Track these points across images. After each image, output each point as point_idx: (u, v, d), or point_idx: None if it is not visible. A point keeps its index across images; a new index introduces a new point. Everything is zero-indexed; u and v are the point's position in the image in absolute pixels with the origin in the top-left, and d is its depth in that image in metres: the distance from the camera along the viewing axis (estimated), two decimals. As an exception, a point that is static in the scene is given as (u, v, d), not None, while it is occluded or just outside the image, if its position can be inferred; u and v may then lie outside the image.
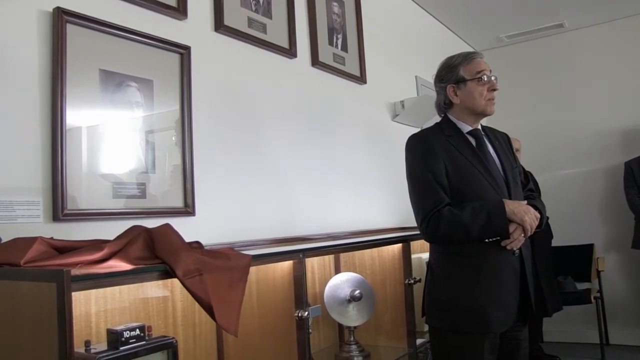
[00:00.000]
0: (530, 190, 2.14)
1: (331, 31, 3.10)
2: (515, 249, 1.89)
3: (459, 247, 1.92)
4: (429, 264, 2.09)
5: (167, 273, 1.33)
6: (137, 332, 1.36)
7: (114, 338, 1.33)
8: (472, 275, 1.89)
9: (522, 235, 1.87)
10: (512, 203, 1.88)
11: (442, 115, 2.11)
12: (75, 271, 1.14)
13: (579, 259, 4.70)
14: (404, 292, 2.50)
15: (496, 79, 2.01)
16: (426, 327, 2.27)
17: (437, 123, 2.11)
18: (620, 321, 4.75)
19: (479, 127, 2.07)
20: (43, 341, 1.12)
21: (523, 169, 2.23)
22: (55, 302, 1.08)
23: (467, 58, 2.03)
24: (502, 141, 2.14)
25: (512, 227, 1.86)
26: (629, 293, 4.80)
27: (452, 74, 2.04)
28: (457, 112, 2.05)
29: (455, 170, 1.92)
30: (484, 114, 2.03)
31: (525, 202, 1.95)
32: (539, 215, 1.92)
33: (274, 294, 2.02)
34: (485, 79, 1.99)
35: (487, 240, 1.87)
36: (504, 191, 1.95)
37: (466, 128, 2.03)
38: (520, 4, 4.50)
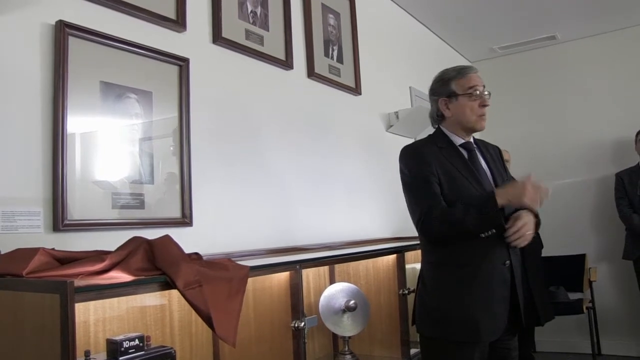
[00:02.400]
0: None
1: (327, 43, 3.14)
2: (518, 243, 1.87)
3: (448, 257, 1.95)
4: (420, 273, 2.12)
5: (168, 284, 1.35)
6: (137, 342, 1.38)
7: (114, 348, 1.35)
8: (463, 285, 1.92)
9: (530, 232, 1.85)
10: (503, 191, 1.86)
11: (436, 126, 2.15)
12: (77, 282, 1.16)
13: (571, 269, 4.73)
14: (398, 302, 2.52)
15: (489, 94, 2.03)
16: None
17: (429, 135, 2.14)
18: (612, 331, 4.78)
19: (471, 139, 2.11)
20: (45, 351, 1.13)
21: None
22: (59, 313, 1.10)
23: (460, 73, 2.05)
24: (494, 154, 2.17)
25: (520, 223, 1.84)
26: (620, 303, 4.84)
27: (444, 87, 2.06)
28: (449, 125, 2.08)
29: (447, 180, 1.95)
30: (473, 130, 2.05)
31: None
32: (539, 185, 1.86)
33: (271, 304, 2.04)
34: (477, 95, 2.01)
35: (484, 235, 1.87)
36: None
37: (458, 140, 2.06)
38: (513, 16, 4.56)
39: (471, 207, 1.85)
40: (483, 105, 2.02)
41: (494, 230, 1.87)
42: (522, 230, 1.85)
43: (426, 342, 2.03)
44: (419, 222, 1.95)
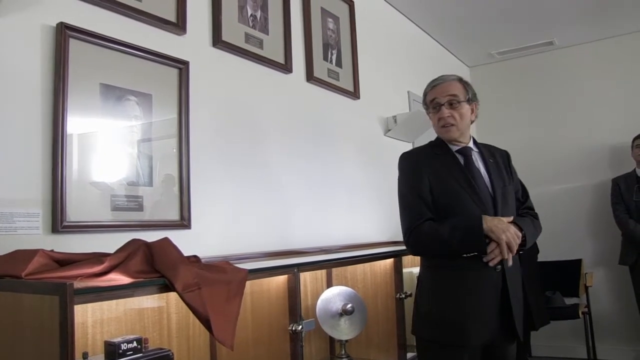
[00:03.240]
0: (528, 208, 2.17)
1: (326, 47, 3.15)
2: (494, 264, 1.91)
3: (441, 261, 1.98)
4: (418, 276, 2.15)
5: (167, 287, 1.35)
6: (135, 344, 1.38)
7: (112, 350, 1.35)
8: (452, 288, 1.95)
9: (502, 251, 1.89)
10: (491, 220, 1.90)
11: None
12: (77, 284, 1.16)
13: (568, 274, 4.74)
14: (395, 306, 2.53)
15: (457, 102, 2.04)
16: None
17: (431, 141, 2.17)
18: (607, 336, 4.79)
19: (470, 144, 2.12)
20: (44, 353, 1.14)
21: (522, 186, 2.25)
22: (58, 314, 1.10)
23: (426, 90, 2.14)
24: (500, 159, 2.17)
25: (492, 245, 1.88)
26: (616, 308, 4.85)
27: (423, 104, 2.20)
28: None
29: (439, 186, 1.99)
30: (443, 139, 2.10)
31: (511, 218, 1.97)
32: (519, 234, 1.93)
33: (268, 307, 2.05)
34: (434, 108, 2.08)
35: (465, 255, 1.90)
36: (488, 207, 1.98)
37: (454, 147, 2.09)
38: (511, 22, 4.58)
39: (457, 229, 1.89)
40: (439, 117, 2.06)
41: (475, 253, 1.90)
42: (495, 251, 1.89)
43: (419, 342, 2.07)
44: (405, 234, 2.02)
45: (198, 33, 2.29)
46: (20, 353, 1.20)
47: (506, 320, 1.96)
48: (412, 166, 2.06)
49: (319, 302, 2.37)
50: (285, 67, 2.75)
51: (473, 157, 2.09)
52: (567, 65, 5.23)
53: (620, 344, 4.76)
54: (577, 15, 4.51)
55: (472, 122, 2.12)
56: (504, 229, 1.88)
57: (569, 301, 4.62)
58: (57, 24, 1.72)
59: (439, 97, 2.06)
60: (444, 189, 1.98)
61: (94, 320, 1.57)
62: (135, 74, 1.97)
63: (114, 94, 1.89)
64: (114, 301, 1.61)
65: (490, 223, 1.88)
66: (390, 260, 2.56)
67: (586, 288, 4.68)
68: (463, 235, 1.88)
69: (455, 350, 1.91)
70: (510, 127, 5.34)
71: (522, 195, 2.20)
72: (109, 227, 1.81)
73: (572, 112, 5.17)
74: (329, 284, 2.61)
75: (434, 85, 2.10)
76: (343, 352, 2.42)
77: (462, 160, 2.06)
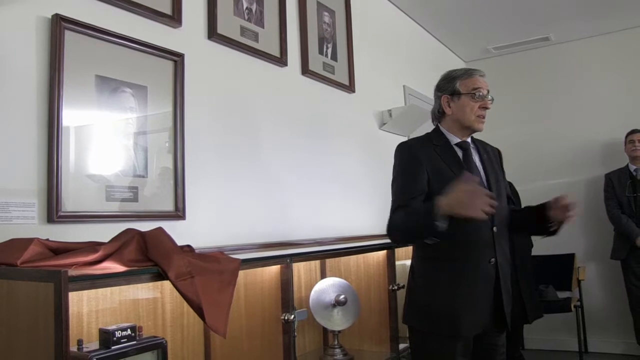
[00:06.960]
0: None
1: (321, 40, 3.16)
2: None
3: (437, 252, 1.97)
4: (410, 266, 2.16)
5: (160, 275, 1.37)
6: (129, 332, 1.40)
7: (106, 337, 1.37)
8: (448, 279, 1.96)
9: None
10: (443, 197, 1.74)
11: (435, 124, 2.18)
12: (71, 272, 1.18)
13: (561, 268, 4.79)
14: (388, 298, 2.56)
15: (492, 99, 2.07)
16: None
17: (427, 133, 2.17)
18: (599, 329, 4.85)
19: (469, 140, 2.13)
20: (39, 340, 1.16)
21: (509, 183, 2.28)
22: (53, 301, 1.13)
23: (466, 73, 2.09)
24: (492, 155, 2.19)
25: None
26: (607, 302, 4.89)
27: (449, 85, 2.09)
28: (448, 123, 2.11)
29: (437, 179, 1.98)
30: (471, 129, 2.08)
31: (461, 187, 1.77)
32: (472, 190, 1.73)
33: (262, 297, 2.07)
34: (479, 96, 2.04)
35: (429, 242, 1.88)
36: None
37: (454, 139, 2.09)
38: (508, 17, 4.59)
39: (414, 214, 1.86)
40: (484, 107, 2.05)
41: (437, 240, 1.86)
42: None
43: (411, 332, 2.09)
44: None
45: (193, 26, 2.31)
46: (15, 339, 1.22)
47: (497, 311, 1.99)
48: (410, 156, 2.03)
49: (313, 293, 2.40)
50: (281, 60, 2.77)
51: (471, 151, 2.10)
52: (562, 61, 5.26)
53: (611, 337, 4.81)
54: (574, 11, 4.53)
55: None
56: (455, 200, 1.69)
57: (562, 295, 4.66)
58: (53, 16, 1.74)
59: (484, 89, 2.06)
60: (441, 180, 1.96)
61: (89, 310, 1.59)
62: (131, 66, 1.99)
63: (109, 85, 1.90)
64: (109, 291, 1.63)
65: (445, 200, 1.72)
66: (383, 252, 2.59)
67: (579, 282, 4.73)
68: (418, 219, 1.83)
69: (449, 340, 1.93)
70: (505, 122, 5.34)
71: (512, 195, 2.22)
72: (104, 217, 1.83)
73: (566, 108, 5.20)
74: (323, 276, 2.64)
75: (480, 75, 2.08)
76: (336, 342, 2.44)
77: (460, 154, 2.07)
